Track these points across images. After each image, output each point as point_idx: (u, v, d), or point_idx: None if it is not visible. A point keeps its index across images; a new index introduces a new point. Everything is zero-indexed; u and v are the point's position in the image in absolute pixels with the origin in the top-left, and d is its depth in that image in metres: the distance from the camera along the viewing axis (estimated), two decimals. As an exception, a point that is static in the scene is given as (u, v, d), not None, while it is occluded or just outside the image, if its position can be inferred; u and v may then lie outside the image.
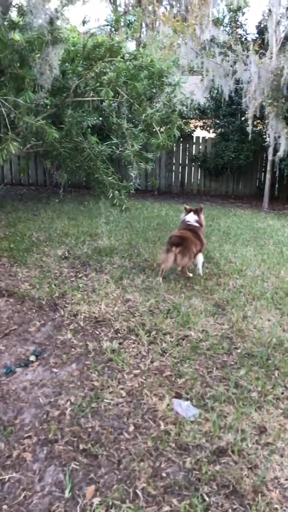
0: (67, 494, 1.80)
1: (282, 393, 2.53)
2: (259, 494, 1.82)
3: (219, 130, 11.34)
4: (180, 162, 11.96)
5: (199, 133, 11.96)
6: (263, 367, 2.81)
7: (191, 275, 4.37)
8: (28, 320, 3.38)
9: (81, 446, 2.05)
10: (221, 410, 2.35)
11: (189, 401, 2.41)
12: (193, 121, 11.98)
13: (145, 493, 1.81)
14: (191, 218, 4.79)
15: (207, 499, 1.79)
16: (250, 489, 1.84)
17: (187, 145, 11.78)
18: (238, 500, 1.80)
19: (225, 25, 12.27)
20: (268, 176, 10.49)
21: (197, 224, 4.73)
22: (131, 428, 2.20)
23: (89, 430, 2.17)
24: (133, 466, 1.94)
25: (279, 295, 4.11)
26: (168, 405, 2.37)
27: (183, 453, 2.04)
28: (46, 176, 11.25)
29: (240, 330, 3.34)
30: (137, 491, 1.82)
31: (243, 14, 11.28)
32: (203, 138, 11.75)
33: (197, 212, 4.85)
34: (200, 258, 4.59)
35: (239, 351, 3.02)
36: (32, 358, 2.82)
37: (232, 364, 2.85)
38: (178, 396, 2.48)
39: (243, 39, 10.92)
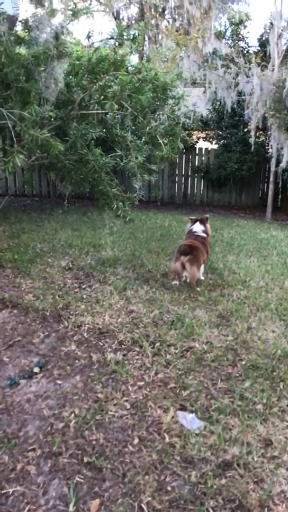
0: (71, 508, 1.78)
1: (288, 406, 2.51)
2: (265, 509, 1.80)
3: (222, 141, 11.42)
4: (183, 173, 12.03)
5: (202, 144, 12.04)
6: (268, 379, 2.79)
7: (198, 289, 4.37)
8: (32, 331, 3.38)
9: (85, 459, 2.04)
10: (226, 422, 2.34)
11: (193, 414, 2.39)
12: (195, 132, 12.07)
13: (150, 507, 1.79)
14: (198, 228, 4.84)
15: (212, 513, 1.77)
16: (256, 503, 1.82)
17: (190, 156, 11.85)
18: (244, 514, 1.78)
19: (227, 38, 12.41)
20: (271, 186, 10.53)
21: (204, 234, 4.79)
22: (136, 440, 2.18)
23: (94, 442, 2.16)
24: (137, 480, 1.93)
25: (283, 306, 4.09)
26: (172, 417, 2.35)
27: (188, 466, 2.03)
28: (50, 187, 11.33)
29: (244, 341, 3.32)
30: (142, 505, 1.80)
31: (245, 27, 11.43)
32: (206, 149, 11.82)
33: (203, 221, 4.91)
34: (201, 267, 4.62)
35: (243, 362, 3.00)
36: (36, 369, 2.81)
37: (237, 376, 2.83)
38: (183, 408, 2.46)
39: (245, 52, 11.04)
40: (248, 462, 2.05)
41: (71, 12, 4.41)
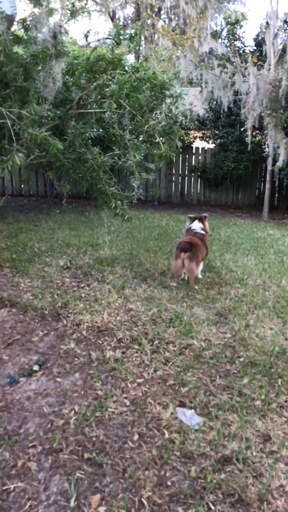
0: (72, 503, 1.80)
1: (286, 401, 2.54)
2: (265, 503, 1.82)
3: (219, 140, 11.44)
4: (180, 172, 12.05)
5: (199, 143, 12.06)
6: (266, 376, 2.81)
7: (196, 287, 4.39)
8: (31, 330, 3.39)
9: (85, 455, 2.05)
10: (225, 418, 2.36)
11: (193, 410, 2.41)
12: (192, 132, 12.09)
13: (150, 502, 1.81)
14: (197, 226, 4.90)
15: (212, 507, 1.79)
16: (256, 497, 1.84)
17: (187, 156, 11.87)
18: (243, 508, 1.80)
19: (223, 38, 12.41)
20: (267, 186, 10.56)
21: (203, 232, 4.85)
22: (136, 437, 2.20)
23: (94, 439, 2.17)
24: (138, 475, 1.94)
25: (280, 304, 4.12)
26: (172, 413, 2.37)
27: (188, 461, 2.05)
28: (47, 187, 11.32)
29: (242, 339, 3.35)
30: (143, 500, 1.82)
31: (241, 27, 11.43)
32: (203, 148, 11.84)
33: (201, 220, 4.97)
34: (200, 265, 4.64)
35: (242, 359, 3.03)
36: (36, 367, 2.82)
37: (235, 373, 2.86)
38: (182, 404, 2.48)
39: (241, 52, 11.05)
40: (247, 457, 2.07)
41: (69, 12, 4.41)
